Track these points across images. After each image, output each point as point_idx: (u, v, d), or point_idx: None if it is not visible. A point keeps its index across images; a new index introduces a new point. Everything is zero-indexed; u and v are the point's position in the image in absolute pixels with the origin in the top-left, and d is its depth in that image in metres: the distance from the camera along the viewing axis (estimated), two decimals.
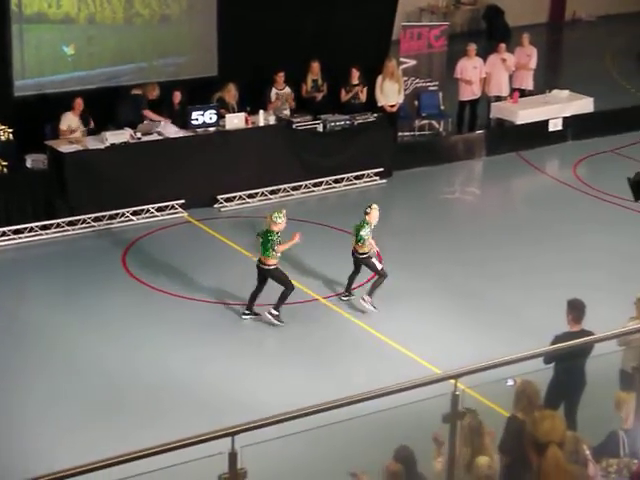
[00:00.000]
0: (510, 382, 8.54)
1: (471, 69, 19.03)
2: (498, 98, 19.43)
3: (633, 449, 7.85)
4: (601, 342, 8.12)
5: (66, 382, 11.27)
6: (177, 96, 16.28)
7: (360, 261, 13.16)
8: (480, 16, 27.90)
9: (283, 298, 12.65)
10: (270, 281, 12.68)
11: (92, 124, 15.71)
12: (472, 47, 19.24)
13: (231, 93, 16.56)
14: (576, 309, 9.80)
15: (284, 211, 12.62)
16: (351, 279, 13.37)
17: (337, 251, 14.55)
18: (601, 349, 8.82)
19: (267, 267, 12.55)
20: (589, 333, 9.50)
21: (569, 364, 9.51)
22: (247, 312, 12.85)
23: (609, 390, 9.02)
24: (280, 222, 12.42)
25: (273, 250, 12.37)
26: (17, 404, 10.84)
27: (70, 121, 15.46)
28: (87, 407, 10.79)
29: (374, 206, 13.09)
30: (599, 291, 12.68)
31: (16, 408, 10.77)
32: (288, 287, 12.64)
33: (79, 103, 15.47)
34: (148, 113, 16.13)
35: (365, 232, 12.92)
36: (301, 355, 11.96)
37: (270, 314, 12.66)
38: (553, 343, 9.34)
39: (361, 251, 13.07)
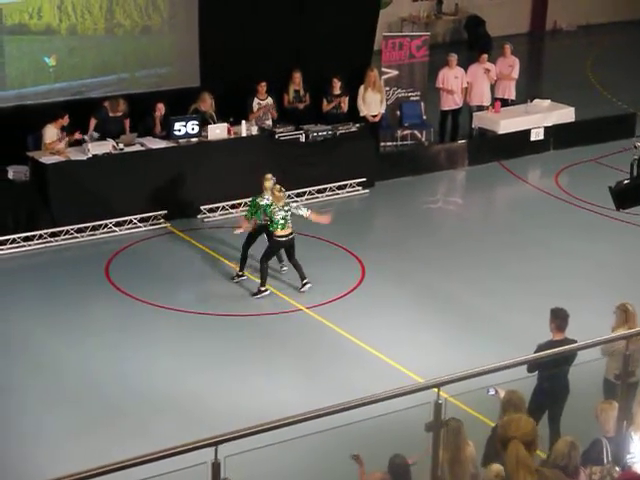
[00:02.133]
0: (491, 391, 8.58)
1: (452, 79, 19.10)
2: (480, 108, 19.50)
3: (616, 457, 7.88)
4: (584, 350, 8.15)
5: (50, 393, 11.23)
6: (160, 108, 16.25)
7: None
8: (462, 26, 28.02)
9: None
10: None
11: (78, 135, 15.60)
12: (453, 57, 19.30)
13: (207, 102, 16.53)
14: (559, 318, 9.83)
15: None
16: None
17: (319, 261, 14.58)
18: (584, 357, 8.88)
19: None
20: (572, 341, 9.53)
21: (552, 372, 9.54)
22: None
23: (592, 398, 9.06)
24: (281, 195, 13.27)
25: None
26: (2, 414, 10.77)
27: (52, 133, 15.40)
28: (71, 419, 10.75)
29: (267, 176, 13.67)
30: (581, 299, 12.74)
31: (1, 419, 10.73)
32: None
33: (65, 119, 15.37)
34: (91, 123, 15.96)
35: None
36: (285, 365, 11.95)
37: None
38: (536, 352, 9.36)
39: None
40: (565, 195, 17.46)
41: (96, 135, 15.83)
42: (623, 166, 11.28)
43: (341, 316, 13.09)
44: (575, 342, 9.45)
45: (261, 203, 13.47)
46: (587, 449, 8.13)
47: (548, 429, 9.67)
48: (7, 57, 15.80)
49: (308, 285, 13.65)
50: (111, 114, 16.13)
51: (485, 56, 19.62)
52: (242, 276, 13.97)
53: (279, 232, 13.38)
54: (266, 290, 13.56)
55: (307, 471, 9.66)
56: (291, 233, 13.48)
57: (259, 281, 13.56)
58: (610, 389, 9.58)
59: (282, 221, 13.31)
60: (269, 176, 13.66)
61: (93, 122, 15.99)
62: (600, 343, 8.86)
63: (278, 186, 13.42)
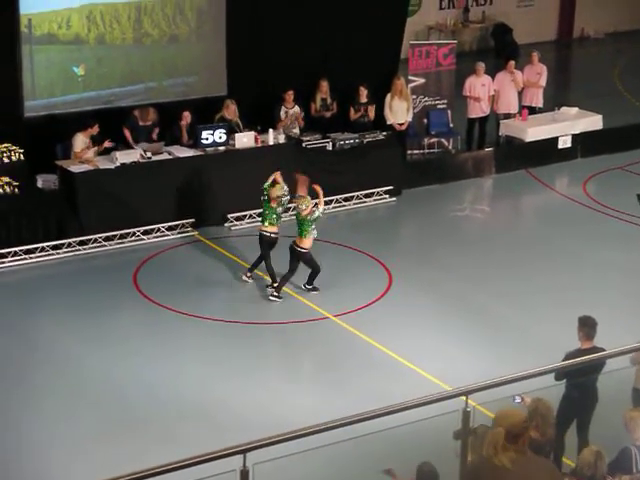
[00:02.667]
0: (517, 399, 8.53)
1: (479, 87, 19.07)
2: (507, 116, 19.45)
3: None
4: (612, 358, 8.12)
5: (77, 400, 11.27)
6: (186, 116, 16.33)
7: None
8: (488, 34, 27.97)
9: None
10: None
11: (108, 143, 15.69)
12: (480, 66, 19.27)
13: (230, 109, 16.57)
14: (587, 326, 9.77)
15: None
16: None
17: (346, 269, 14.59)
18: (613, 365, 8.83)
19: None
20: (601, 350, 9.47)
21: (581, 381, 9.49)
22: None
23: (621, 407, 9.00)
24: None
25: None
26: (28, 422, 10.84)
27: (81, 142, 15.49)
28: (98, 425, 10.79)
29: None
30: (610, 309, 12.66)
31: (27, 426, 10.77)
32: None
33: (95, 128, 15.48)
34: (126, 133, 16.10)
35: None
36: (312, 372, 11.97)
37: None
38: (564, 360, 9.32)
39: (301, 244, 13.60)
40: (593, 203, 17.38)
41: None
42: None
43: (368, 324, 13.08)
44: (604, 351, 9.42)
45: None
46: (616, 458, 8.10)
47: (577, 438, 9.63)
48: (36, 67, 15.91)
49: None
50: (141, 123, 16.22)
51: (512, 63, 19.58)
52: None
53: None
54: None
55: (335, 479, 9.65)
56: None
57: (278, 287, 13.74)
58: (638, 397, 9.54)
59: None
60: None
61: (128, 133, 16.07)
62: (629, 351, 8.83)
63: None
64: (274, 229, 13.88)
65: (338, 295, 13.83)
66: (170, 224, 15.73)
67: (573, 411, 9.65)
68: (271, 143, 16.38)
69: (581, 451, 8.00)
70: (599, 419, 9.75)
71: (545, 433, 8.15)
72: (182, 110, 16.38)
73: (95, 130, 15.50)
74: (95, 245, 15.20)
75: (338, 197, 16.99)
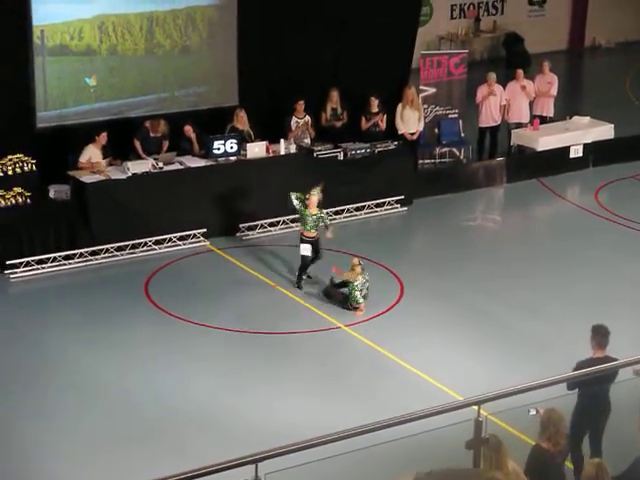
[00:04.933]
0: (532, 412, 8.49)
1: (491, 97, 19.06)
2: (519, 125, 19.44)
3: None
4: (625, 367, 8.09)
5: (88, 410, 11.29)
6: (187, 130, 16.32)
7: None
8: (500, 44, 27.97)
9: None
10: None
11: (113, 161, 15.77)
12: (492, 77, 19.25)
13: (240, 118, 16.59)
14: (600, 334, 9.73)
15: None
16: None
17: None
18: (625, 375, 8.80)
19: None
20: (613, 359, 9.45)
21: (593, 390, 9.46)
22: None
23: (634, 416, 8.97)
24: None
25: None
26: (39, 431, 10.86)
27: (91, 153, 15.54)
28: (109, 435, 10.80)
29: (314, 192, 14.11)
30: (622, 319, 12.58)
31: (38, 435, 10.79)
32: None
33: (103, 137, 15.56)
34: (137, 145, 16.15)
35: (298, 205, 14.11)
36: (324, 383, 11.94)
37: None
38: (576, 369, 9.30)
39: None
40: (605, 212, 17.35)
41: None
42: None
43: (380, 334, 13.07)
44: (617, 360, 9.39)
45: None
46: (629, 467, 8.07)
47: (589, 448, 9.59)
48: (48, 78, 15.98)
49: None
50: (152, 134, 16.26)
51: (521, 72, 19.56)
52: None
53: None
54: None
55: None
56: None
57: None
58: None
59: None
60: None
61: (138, 144, 16.12)
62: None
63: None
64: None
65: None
66: (182, 234, 15.75)
67: (586, 421, 9.62)
68: (282, 153, 16.40)
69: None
70: (612, 429, 9.72)
71: (558, 444, 8.13)
72: (188, 122, 16.38)
73: (103, 139, 15.54)
74: (107, 255, 15.23)
75: (349, 207, 17.00)
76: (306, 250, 14.12)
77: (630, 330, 11.88)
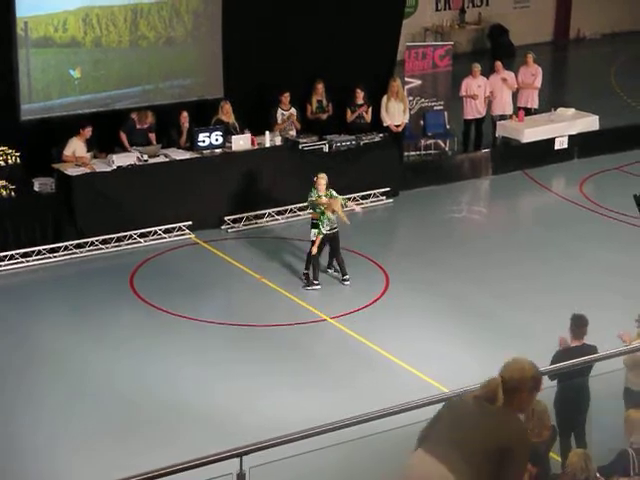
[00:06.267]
0: None
1: (475, 88, 19.10)
2: (502, 117, 19.47)
3: None
4: (605, 360, 8.11)
5: (76, 403, 11.28)
6: (185, 117, 16.34)
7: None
8: (485, 35, 28.00)
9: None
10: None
11: (98, 154, 15.73)
12: (476, 67, 19.29)
13: (225, 110, 16.57)
14: (577, 324, 9.80)
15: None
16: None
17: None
18: (606, 367, 8.82)
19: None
20: (590, 347, 9.52)
21: (572, 379, 9.48)
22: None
23: (615, 408, 9.01)
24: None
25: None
26: (29, 425, 10.84)
27: (76, 146, 15.49)
28: (96, 428, 10.79)
29: (321, 175, 14.23)
30: (607, 310, 12.64)
31: (27, 428, 10.77)
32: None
33: (88, 131, 15.52)
34: (123, 137, 16.11)
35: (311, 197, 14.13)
36: (309, 375, 11.95)
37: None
38: (554, 358, 9.36)
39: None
40: (590, 204, 17.40)
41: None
42: None
43: (365, 326, 13.09)
44: (594, 348, 9.44)
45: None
46: (613, 460, 8.09)
47: (574, 439, 9.62)
48: (32, 70, 15.89)
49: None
50: (138, 126, 16.21)
51: (499, 64, 19.58)
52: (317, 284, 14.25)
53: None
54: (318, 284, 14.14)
55: None
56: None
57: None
58: (633, 399, 9.52)
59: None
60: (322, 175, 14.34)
61: (124, 136, 16.07)
62: (622, 354, 8.84)
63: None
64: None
65: (335, 297, 13.84)
66: (167, 227, 15.73)
67: (568, 411, 9.63)
68: (267, 145, 16.38)
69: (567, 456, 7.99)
70: (595, 421, 9.74)
71: (541, 434, 8.16)
72: (180, 110, 16.37)
73: (88, 132, 15.51)
74: (92, 248, 15.20)
75: None
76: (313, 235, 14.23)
77: (616, 320, 11.89)
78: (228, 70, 17.26)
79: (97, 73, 16.47)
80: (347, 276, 14.20)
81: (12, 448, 10.47)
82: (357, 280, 14.26)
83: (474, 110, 19.18)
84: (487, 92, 19.19)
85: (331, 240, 14.20)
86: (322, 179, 14.18)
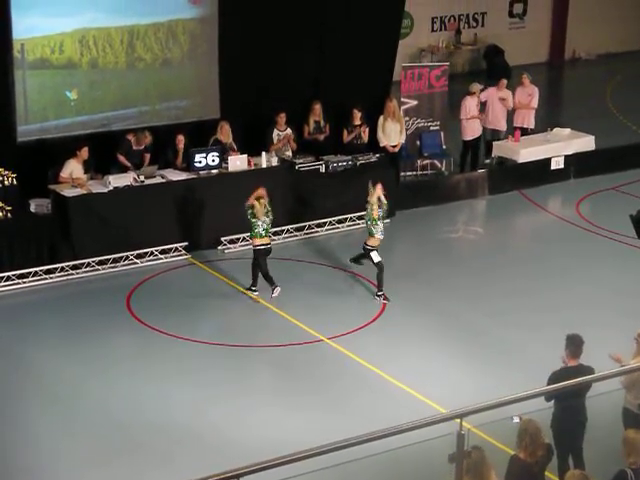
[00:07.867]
0: (516, 419, 8.50)
1: (474, 107, 19.15)
2: (495, 132, 19.52)
3: None
4: (603, 380, 8.10)
5: (71, 424, 11.24)
6: (181, 140, 16.36)
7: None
8: (480, 56, 28.07)
9: None
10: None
11: (94, 175, 15.74)
12: (476, 87, 19.36)
13: (224, 130, 16.58)
14: (574, 344, 9.78)
15: None
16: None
17: (341, 291, 14.58)
18: (604, 387, 8.81)
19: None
20: (587, 368, 9.50)
21: (569, 400, 9.46)
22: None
23: (613, 428, 8.99)
24: None
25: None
26: (21, 446, 10.80)
27: (73, 168, 15.48)
28: (91, 449, 10.75)
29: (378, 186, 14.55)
30: (603, 329, 12.65)
31: (20, 451, 10.73)
32: None
33: (85, 151, 15.52)
34: (122, 159, 16.13)
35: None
36: (306, 396, 11.92)
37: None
38: (550, 379, 9.34)
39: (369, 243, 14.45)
40: (587, 224, 17.41)
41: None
42: None
43: (362, 346, 13.06)
44: (590, 369, 9.43)
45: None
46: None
47: (572, 460, 9.59)
48: (29, 91, 15.91)
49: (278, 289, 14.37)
50: (135, 147, 16.22)
51: (504, 82, 19.65)
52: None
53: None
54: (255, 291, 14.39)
55: None
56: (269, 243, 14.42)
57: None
58: (632, 419, 9.50)
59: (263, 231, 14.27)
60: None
61: (123, 158, 16.08)
62: (620, 374, 8.83)
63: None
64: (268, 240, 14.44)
65: (332, 317, 13.82)
66: (163, 247, 15.71)
67: (565, 432, 9.61)
68: (264, 166, 16.38)
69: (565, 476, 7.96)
70: (592, 441, 9.72)
71: (534, 454, 8.13)
72: (177, 133, 16.39)
73: (85, 154, 15.50)
74: (88, 269, 15.17)
75: (331, 219, 17.00)
76: (377, 256, 14.36)
77: (612, 339, 11.88)
78: (225, 91, 17.30)
79: (93, 94, 16.51)
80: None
81: (4, 471, 10.39)
82: (353, 300, 14.24)
83: (474, 130, 19.21)
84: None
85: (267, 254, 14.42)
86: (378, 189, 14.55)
